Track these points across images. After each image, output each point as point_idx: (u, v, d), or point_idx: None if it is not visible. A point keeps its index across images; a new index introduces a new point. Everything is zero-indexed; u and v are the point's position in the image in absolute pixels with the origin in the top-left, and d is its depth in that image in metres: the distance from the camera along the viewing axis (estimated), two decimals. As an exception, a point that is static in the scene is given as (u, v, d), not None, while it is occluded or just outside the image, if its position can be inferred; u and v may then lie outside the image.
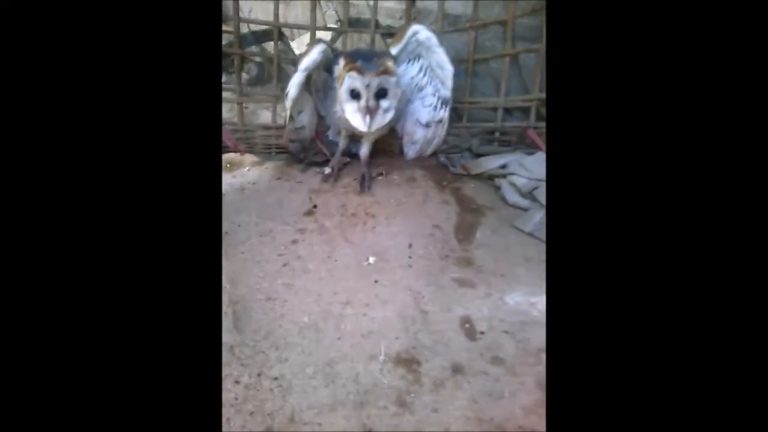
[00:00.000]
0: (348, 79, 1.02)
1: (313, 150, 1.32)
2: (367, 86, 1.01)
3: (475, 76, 1.29)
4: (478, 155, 1.23)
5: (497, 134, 1.27)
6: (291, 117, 1.18)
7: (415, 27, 1.12)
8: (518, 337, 0.75)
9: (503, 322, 0.78)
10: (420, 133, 1.23)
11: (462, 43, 1.28)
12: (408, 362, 0.72)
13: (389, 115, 1.06)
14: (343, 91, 1.04)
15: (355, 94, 1.03)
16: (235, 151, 1.32)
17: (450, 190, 1.18)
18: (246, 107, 1.36)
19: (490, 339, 0.75)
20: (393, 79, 1.03)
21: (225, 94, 1.36)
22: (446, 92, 1.16)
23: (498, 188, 1.15)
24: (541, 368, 0.69)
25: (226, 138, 1.30)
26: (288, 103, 1.13)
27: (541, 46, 1.15)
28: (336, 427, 0.64)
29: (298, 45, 1.59)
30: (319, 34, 1.41)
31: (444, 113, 1.18)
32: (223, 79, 1.51)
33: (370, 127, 1.04)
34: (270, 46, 1.44)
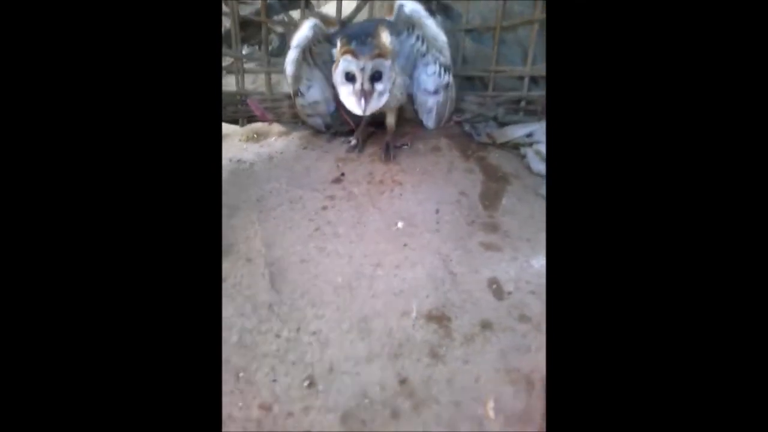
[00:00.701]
0: (343, 63, 1.02)
1: (338, 121, 1.34)
2: (362, 70, 1.01)
3: (502, 44, 1.28)
4: (504, 124, 1.24)
5: (523, 103, 1.27)
6: (299, 93, 1.19)
7: (399, 1, 1.09)
8: (543, 297, 0.78)
9: (529, 284, 0.81)
10: (431, 101, 1.23)
11: (490, 9, 1.27)
12: (439, 319, 0.76)
13: (384, 98, 1.06)
14: (337, 74, 1.04)
15: (350, 77, 1.03)
16: (263, 120, 1.35)
17: (475, 159, 1.20)
18: (271, 78, 1.38)
19: (517, 299, 0.79)
20: (387, 63, 1.03)
21: (250, 65, 1.38)
22: (445, 59, 1.15)
23: (523, 157, 1.16)
24: (567, 325, 0.73)
25: (255, 107, 1.32)
26: (289, 80, 1.14)
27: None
28: (373, 376, 0.69)
29: (326, 12, 1.59)
30: (345, 1, 1.40)
31: (448, 78, 1.17)
32: (247, 50, 1.53)
33: (364, 110, 1.05)
34: (295, 14, 1.45)
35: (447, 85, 1.19)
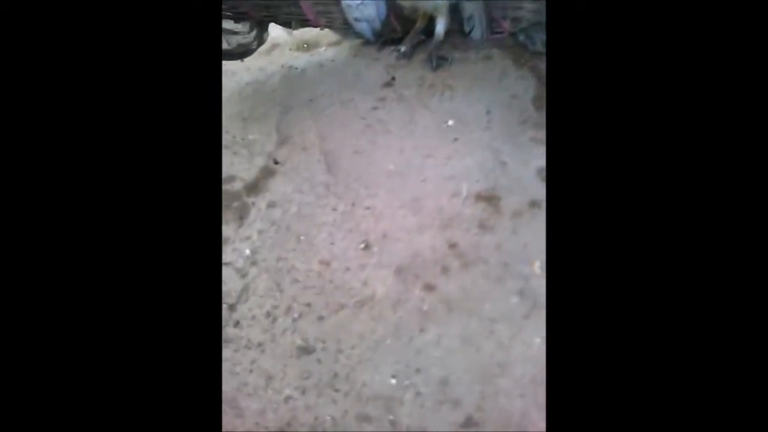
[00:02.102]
0: None
1: (389, 28, 1.32)
2: None
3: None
4: (561, 31, 1.20)
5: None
6: None
7: None
8: (595, 182, 0.80)
9: (581, 171, 0.83)
10: (469, 7, 1.19)
11: None
12: (488, 198, 0.79)
13: None
14: None
15: None
16: (316, 25, 1.35)
17: (528, 68, 1.18)
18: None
19: (567, 184, 0.81)
20: None
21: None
22: None
23: (580, 63, 1.13)
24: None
25: (308, 11, 1.32)
26: None
27: None
28: (424, 242, 0.74)
29: None
30: None
31: None
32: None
33: None
34: None
35: None
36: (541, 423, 0.50)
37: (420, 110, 1.06)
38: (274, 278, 0.68)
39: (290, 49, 1.39)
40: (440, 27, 1.24)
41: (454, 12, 1.25)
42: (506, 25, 1.26)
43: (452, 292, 0.65)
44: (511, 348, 0.57)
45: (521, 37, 1.25)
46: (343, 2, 1.22)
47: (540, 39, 1.21)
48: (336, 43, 1.39)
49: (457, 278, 0.66)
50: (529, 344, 0.57)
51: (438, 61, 1.19)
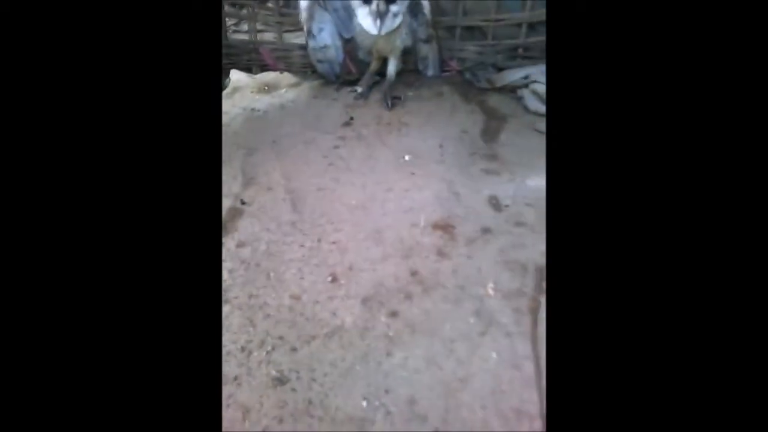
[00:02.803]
0: None
1: (345, 70, 1.42)
2: None
3: (501, -6, 1.35)
4: (502, 69, 1.32)
5: (520, 50, 1.35)
6: (310, 33, 1.27)
7: None
8: (537, 207, 0.88)
9: (525, 198, 0.91)
10: (424, 49, 1.32)
11: (488, -39, 1.33)
12: (444, 227, 0.86)
13: (398, 20, 1.16)
14: None
15: (366, 0, 1.12)
16: (275, 69, 1.42)
17: (476, 102, 1.28)
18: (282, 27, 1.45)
19: (514, 210, 0.89)
20: None
21: (262, 15, 1.45)
22: (427, 14, 1.25)
23: (520, 98, 1.24)
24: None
25: (267, 56, 1.40)
26: (303, 14, 1.22)
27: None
28: (387, 271, 0.79)
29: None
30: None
31: (432, 31, 1.28)
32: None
33: (380, 29, 1.14)
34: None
35: (433, 37, 1.28)
36: (502, 430, 0.56)
37: (379, 147, 1.14)
38: (246, 315, 0.71)
39: (251, 92, 1.45)
40: (392, 68, 1.34)
41: (407, 54, 1.36)
42: (453, 64, 1.38)
43: (415, 317, 0.70)
44: (470, 364, 0.62)
45: (467, 75, 1.37)
46: (309, 43, 1.30)
47: (483, 77, 1.33)
48: (296, 85, 1.46)
49: (419, 303, 0.72)
50: (486, 359, 0.63)
51: (392, 101, 1.28)
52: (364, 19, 1.15)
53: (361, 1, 1.14)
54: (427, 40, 1.31)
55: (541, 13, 1.29)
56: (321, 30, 1.30)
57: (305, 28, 1.26)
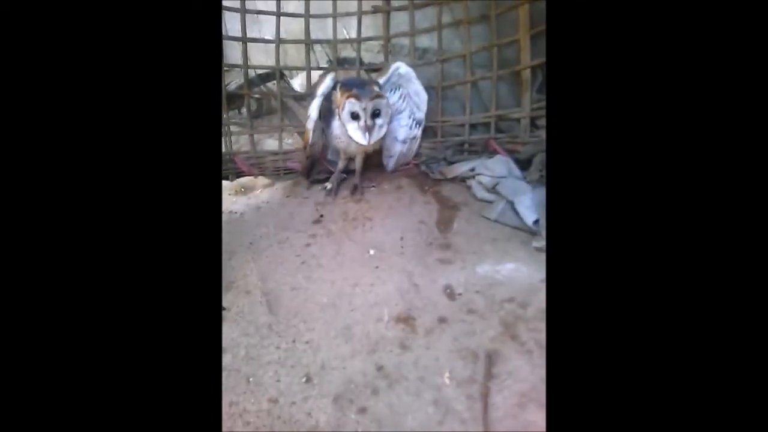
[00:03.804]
0: (348, 104, 1.28)
1: (318, 168, 1.57)
2: (364, 109, 1.28)
3: (444, 100, 1.56)
4: (452, 162, 1.49)
5: (466, 145, 1.55)
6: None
7: (397, 63, 1.40)
8: (486, 294, 0.99)
9: (475, 285, 1.03)
10: (397, 148, 1.50)
11: (432, 73, 1.56)
12: (406, 320, 0.96)
13: (383, 130, 1.33)
14: (344, 114, 1.30)
15: (355, 116, 1.30)
16: (249, 175, 1.57)
17: (431, 193, 1.44)
18: (254, 137, 1.61)
19: (466, 298, 1.00)
20: (384, 101, 1.31)
21: (235, 128, 1.62)
22: (421, 114, 1.44)
23: (469, 187, 1.40)
24: (503, 312, 0.94)
25: (241, 164, 1.55)
26: (310, 125, 1.38)
27: (493, 73, 1.44)
28: (356, 368, 0.87)
29: (296, 83, 1.86)
30: (313, 73, 1.67)
31: (418, 131, 1.46)
32: (228, 115, 1.77)
33: (369, 141, 1.30)
34: (271, 84, 1.71)
35: (414, 138, 1.46)
36: None
37: (346, 243, 1.26)
38: (227, 425, 0.78)
39: (229, 194, 1.58)
40: (359, 164, 1.50)
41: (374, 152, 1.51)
42: (411, 159, 1.55)
43: (381, 411, 0.77)
44: (430, 454, 0.70)
45: (423, 168, 1.53)
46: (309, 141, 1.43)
47: (436, 169, 1.49)
48: (269, 185, 1.60)
49: (385, 397, 0.80)
50: (445, 448, 0.71)
51: (361, 191, 1.42)
52: (354, 133, 1.30)
53: (349, 118, 1.29)
54: (404, 142, 1.48)
55: (477, 117, 1.49)
56: (313, 132, 1.43)
57: (310, 134, 1.39)
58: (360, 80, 1.39)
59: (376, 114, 1.30)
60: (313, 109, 1.37)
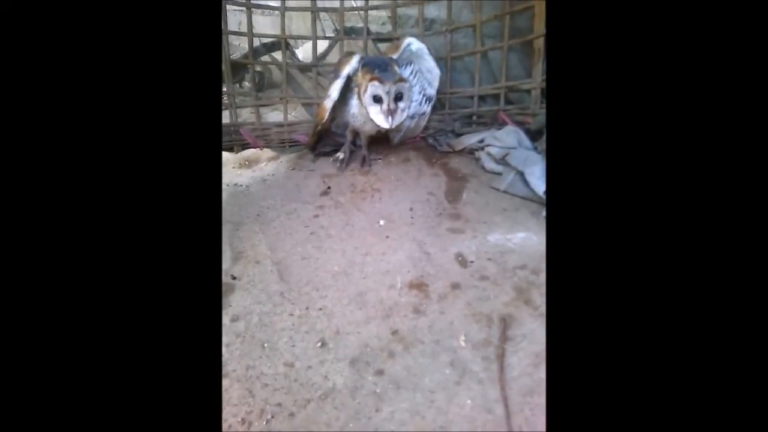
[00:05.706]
0: (371, 88, 1.27)
1: (324, 141, 1.56)
2: (387, 92, 1.26)
3: (453, 71, 1.54)
4: (460, 135, 1.48)
5: (474, 117, 1.53)
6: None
7: (409, 39, 1.38)
8: (498, 261, 1.00)
9: (487, 253, 1.03)
10: (405, 123, 1.48)
11: (440, 43, 1.53)
12: (418, 286, 0.96)
13: (405, 113, 1.32)
14: (367, 97, 1.28)
15: (377, 99, 1.28)
16: (255, 147, 1.55)
17: (439, 165, 1.43)
18: (259, 109, 1.59)
19: (478, 265, 1.00)
20: (406, 85, 1.29)
21: (240, 99, 1.59)
22: (432, 91, 1.43)
23: (477, 159, 1.39)
24: (516, 279, 0.94)
25: (247, 135, 1.53)
26: (329, 104, 1.36)
27: (504, 43, 1.41)
28: (371, 333, 0.88)
29: (301, 53, 1.82)
30: (319, 42, 1.64)
31: (427, 108, 1.44)
32: (233, 87, 1.74)
33: (391, 124, 1.29)
34: (277, 54, 1.67)
35: (423, 114, 1.44)
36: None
37: (355, 213, 1.25)
38: (245, 386, 0.78)
39: (233, 167, 1.56)
40: (365, 137, 1.48)
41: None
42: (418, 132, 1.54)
43: (399, 373, 0.78)
44: (448, 412, 0.71)
45: (430, 140, 1.52)
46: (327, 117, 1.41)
47: (444, 141, 1.48)
48: (274, 158, 1.59)
49: (401, 360, 0.81)
50: (462, 406, 0.72)
51: (369, 162, 1.41)
52: (377, 116, 1.29)
53: (372, 101, 1.28)
54: (412, 117, 1.46)
55: (487, 88, 1.48)
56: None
57: (328, 113, 1.37)
58: (381, 60, 1.35)
59: (398, 97, 1.28)
60: (335, 89, 1.34)
